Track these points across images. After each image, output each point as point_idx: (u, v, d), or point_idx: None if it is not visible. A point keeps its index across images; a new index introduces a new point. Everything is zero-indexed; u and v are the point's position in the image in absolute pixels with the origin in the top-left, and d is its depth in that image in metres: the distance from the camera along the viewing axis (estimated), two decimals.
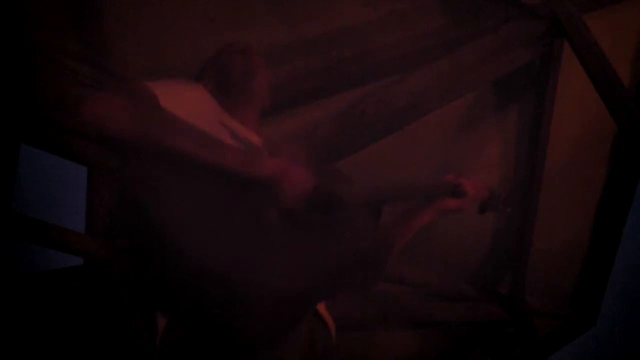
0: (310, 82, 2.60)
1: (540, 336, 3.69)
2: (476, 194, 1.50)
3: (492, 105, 2.92)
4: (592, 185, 3.27)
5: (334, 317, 1.35)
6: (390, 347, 3.81)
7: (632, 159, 3.09)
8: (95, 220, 2.78)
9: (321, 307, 1.32)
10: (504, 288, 3.62)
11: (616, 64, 2.40)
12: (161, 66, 2.43)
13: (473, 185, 1.51)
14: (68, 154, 2.75)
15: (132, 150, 1.15)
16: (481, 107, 2.90)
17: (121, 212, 1.12)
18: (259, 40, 2.50)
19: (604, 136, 3.08)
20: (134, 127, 1.13)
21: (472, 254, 3.52)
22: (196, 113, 1.32)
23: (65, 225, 2.71)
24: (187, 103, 1.34)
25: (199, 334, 1.08)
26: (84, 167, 2.81)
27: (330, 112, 2.54)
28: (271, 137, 1.55)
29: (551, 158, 3.00)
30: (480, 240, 3.44)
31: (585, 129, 3.04)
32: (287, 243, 1.14)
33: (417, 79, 2.43)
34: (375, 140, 2.48)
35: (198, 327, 1.07)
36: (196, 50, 2.47)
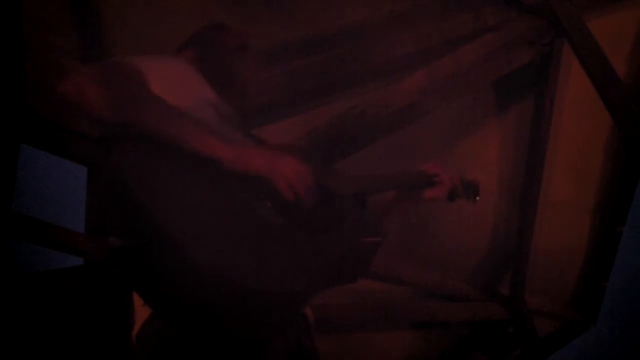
0: (310, 82, 2.60)
1: (540, 336, 3.70)
2: (451, 183, 1.53)
3: (492, 106, 2.92)
4: (592, 185, 3.27)
5: (332, 318, 1.34)
6: (390, 347, 3.81)
7: (632, 159, 3.08)
8: (95, 220, 2.78)
9: None
10: (504, 288, 3.62)
11: (616, 64, 2.39)
12: None
13: (449, 175, 1.55)
14: (68, 154, 2.75)
15: (118, 132, 1.08)
16: (481, 107, 2.90)
17: (112, 203, 1.04)
18: (259, 40, 2.51)
19: (603, 136, 3.08)
20: (116, 109, 1.08)
21: (472, 254, 3.53)
22: (181, 88, 1.30)
23: (65, 225, 2.71)
24: (172, 78, 1.31)
25: (190, 332, 1.05)
26: (84, 167, 2.81)
27: (330, 112, 2.54)
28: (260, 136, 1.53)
29: (551, 158, 3.00)
30: (480, 240, 3.44)
31: (585, 129, 3.04)
32: (285, 240, 1.11)
33: (417, 79, 2.43)
34: (375, 140, 2.48)
35: (191, 325, 1.03)
36: None
